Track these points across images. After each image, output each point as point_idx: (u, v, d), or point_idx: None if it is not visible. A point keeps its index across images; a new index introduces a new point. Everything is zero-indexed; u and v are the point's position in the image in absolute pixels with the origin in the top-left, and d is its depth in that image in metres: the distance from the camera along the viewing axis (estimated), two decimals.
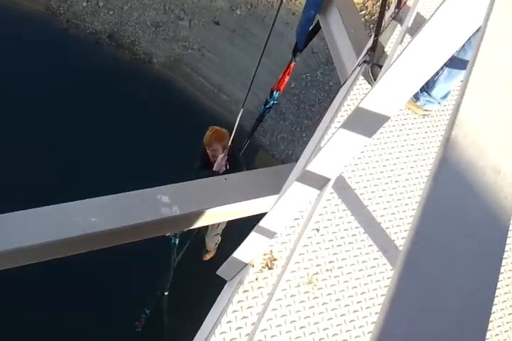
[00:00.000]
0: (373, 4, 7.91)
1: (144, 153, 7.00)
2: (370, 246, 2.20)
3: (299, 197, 1.47)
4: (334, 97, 2.79)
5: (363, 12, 7.78)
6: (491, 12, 0.62)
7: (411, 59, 1.06)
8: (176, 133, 6.96)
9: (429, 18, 0.98)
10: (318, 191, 1.44)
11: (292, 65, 3.95)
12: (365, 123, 1.20)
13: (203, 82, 8.31)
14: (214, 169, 3.72)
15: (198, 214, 2.49)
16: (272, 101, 4.05)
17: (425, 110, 2.52)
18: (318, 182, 1.40)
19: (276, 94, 3.99)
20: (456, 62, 2.18)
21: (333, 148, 1.27)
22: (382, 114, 1.15)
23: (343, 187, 2.25)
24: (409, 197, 2.38)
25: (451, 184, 0.45)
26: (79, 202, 2.29)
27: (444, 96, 2.47)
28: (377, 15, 7.87)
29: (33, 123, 7.05)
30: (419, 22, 2.77)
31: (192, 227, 2.62)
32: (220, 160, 3.69)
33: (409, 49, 1.04)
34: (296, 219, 2.13)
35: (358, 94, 2.55)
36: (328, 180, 1.37)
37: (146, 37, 8.21)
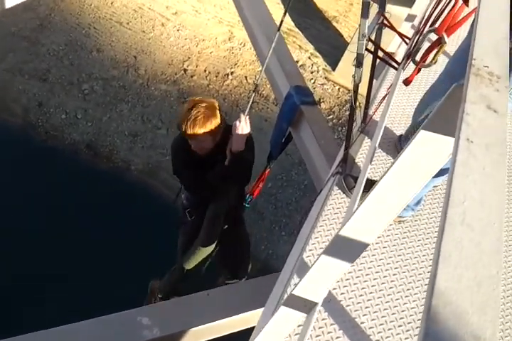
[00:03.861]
0: (340, 109, 8.44)
1: (121, 261, 6.82)
2: None
3: (285, 323, 1.45)
4: (311, 206, 2.86)
5: (331, 116, 8.27)
6: (454, 172, 0.68)
7: (388, 187, 1.13)
8: (156, 239, 6.88)
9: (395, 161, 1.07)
10: (305, 315, 1.43)
11: (267, 171, 4.06)
12: (347, 249, 1.24)
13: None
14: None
15: (180, 335, 2.39)
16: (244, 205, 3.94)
17: (400, 217, 2.59)
18: (305, 305, 1.40)
19: (248, 198, 3.96)
20: None
21: (317, 273, 1.29)
22: (363, 239, 1.20)
23: (328, 300, 2.22)
24: (395, 306, 2.36)
25: None
26: (52, 330, 2.16)
27: (417, 203, 2.57)
28: (344, 118, 8.34)
29: (13, 233, 6.88)
30: (387, 136, 2.97)
31: None
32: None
33: (382, 182, 1.12)
34: None
35: (334, 204, 2.63)
36: (315, 304, 1.37)
37: (124, 146, 8.44)
